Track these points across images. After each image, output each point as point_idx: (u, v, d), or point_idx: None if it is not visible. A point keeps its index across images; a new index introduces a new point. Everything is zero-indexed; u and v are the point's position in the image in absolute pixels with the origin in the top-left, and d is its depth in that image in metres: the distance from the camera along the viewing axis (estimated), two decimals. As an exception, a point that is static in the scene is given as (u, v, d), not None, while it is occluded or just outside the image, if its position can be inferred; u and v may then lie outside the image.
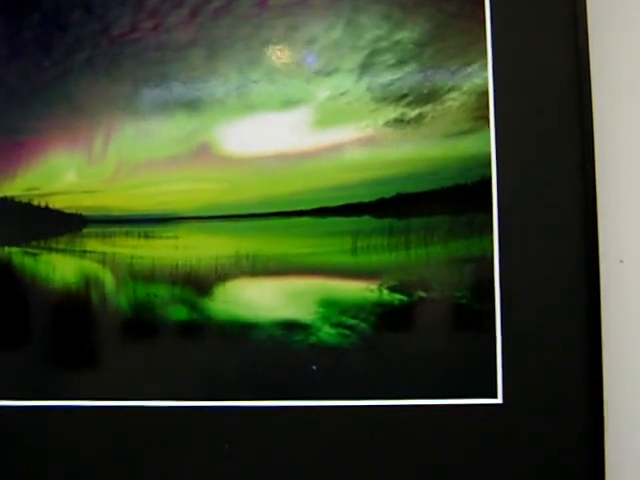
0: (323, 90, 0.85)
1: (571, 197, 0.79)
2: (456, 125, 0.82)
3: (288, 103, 0.85)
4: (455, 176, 0.82)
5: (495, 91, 0.81)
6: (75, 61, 0.90)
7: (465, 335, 0.81)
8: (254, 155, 0.86)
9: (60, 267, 0.89)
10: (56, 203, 0.89)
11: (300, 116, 0.85)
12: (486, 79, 0.82)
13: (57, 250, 0.89)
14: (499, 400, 0.79)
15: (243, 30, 0.87)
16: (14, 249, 0.89)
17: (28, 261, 0.89)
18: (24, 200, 0.90)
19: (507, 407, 0.79)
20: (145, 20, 0.89)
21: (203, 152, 0.86)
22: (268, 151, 0.85)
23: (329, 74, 0.85)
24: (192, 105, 0.87)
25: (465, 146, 0.82)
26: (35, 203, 0.89)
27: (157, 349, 0.86)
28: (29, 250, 0.89)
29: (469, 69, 0.82)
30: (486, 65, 0.82)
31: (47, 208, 0.89)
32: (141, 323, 0.86)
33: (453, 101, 0.82)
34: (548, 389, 0.78)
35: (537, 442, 0.79)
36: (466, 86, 0.82)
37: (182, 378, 0.85)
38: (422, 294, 0.82)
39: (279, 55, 0.86)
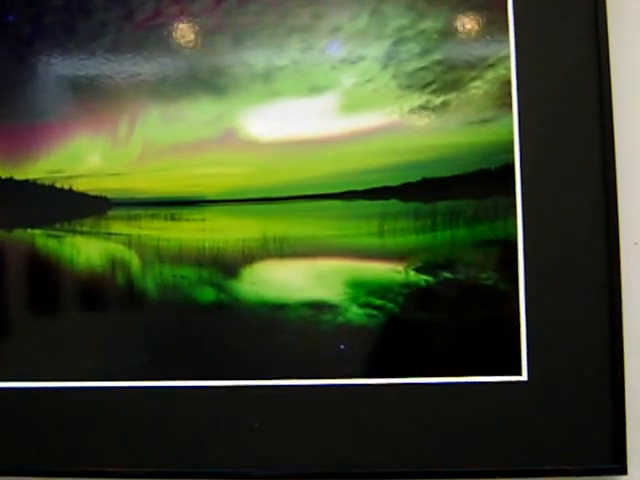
0: (349, 77, 0.87)
1: (591, 181, 0.82)
2: (480, 112, 0.85)
3: (314, 89, 0.87)
4: (479, 161, 0.84)
5: (518, 80, 0.84)
6: (99, 45, 0.90)
7: (490, 315, 0.84)
8: (280, 140, 0.87)
9: (85, 249, 0.89)
10: (80, 186, 0.89)
11: (326, 102, 0.87)
12: (509, 69, 0.84)
13: (82, 232, 0.89)
14: (524, 377, 0.82)
15: (269, 17, 0.88)
16: (37, 231, 0.90)
17: (52, 243, 0.89)
18: (47, 182, 0.90)
19: (531, 384, 0.82)
20: (169, 6, 0.90)
21: (230, 136, 0.88)
22: (294, 136, 0.87)
23: (354, 62, 0.87)
24: (218, 90, 0.88)
25: (488, 132, 0.85)
26: (59, 186, 0.90)
27: (185, 330, 0.87)
28: (53, 232, 0.89)
29: (492, 59, 0.85)
30: (509, 55, 0.84)
31: (71, 191, 0.89)
32: (168, 304, 0.87)
33: (477, 89, 0.85)
34: (571, 366, 0.81)
35: (560, 418, 0.82)
36: (489, 75, 0.85)
37: (211, 359, 0.86)
38: (448, 275, 0.84)
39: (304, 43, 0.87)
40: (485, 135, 0.85)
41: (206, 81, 0.88)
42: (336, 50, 0.87)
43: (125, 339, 0.88)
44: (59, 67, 0.90)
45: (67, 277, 0.89)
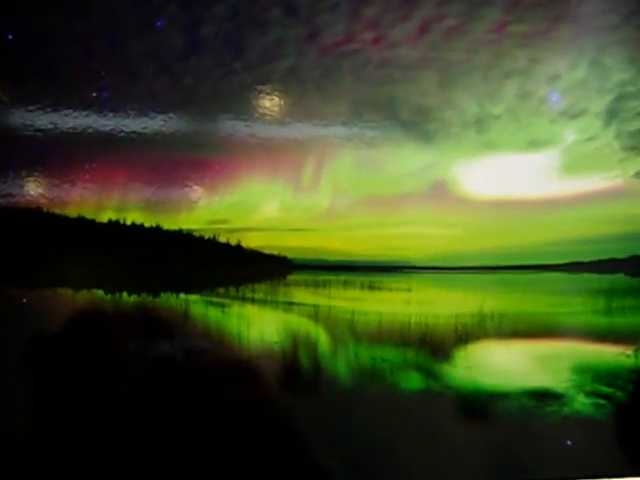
0: (569, 133, 0.77)
1: None
2: None
3: (533, 144, 0.77)
4: None
5: None
6: (275, 68, 0.73)
7: None
8: (497, 199, 0.76)
9: (257, 322, 0.71)
10: (251, 241, 0.71)
11: (545, 160, 0.77)
12: None
13: (253, 300, 0.71)
14: None
15: (481, 57, 0.76)
16: (193, 297, 0.70)
17: (213, 313, 0.70)
18: (207, 235, 0.71)
19: None
20: (364, 31, 0.75)
21: (438, 191, 0.75)
22: (510, 196, 0.76)
23: (575, 116, 0.77)
24: (425, 136, 0.75)
25: None
26: (222, 240, 0.71)
27: (387, 425, 0.72)
28: (215, 299, 0.70)
29: None
30: None
31: (239, 247, 0.71)
32: (365, 393, 0.71)
33: (702, 157, 0.79)
34: None
35: None
36: None
37: (422, 457, 0.72)
38: (678, 359, 0.77)
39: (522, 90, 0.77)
40: None
41: (410, 124, 0.74)
42: (556, 101, 0.77)
43: (309, 436, 0.70)
44: (220, 89, 0.72)
45: (234, 356, 0.70)
